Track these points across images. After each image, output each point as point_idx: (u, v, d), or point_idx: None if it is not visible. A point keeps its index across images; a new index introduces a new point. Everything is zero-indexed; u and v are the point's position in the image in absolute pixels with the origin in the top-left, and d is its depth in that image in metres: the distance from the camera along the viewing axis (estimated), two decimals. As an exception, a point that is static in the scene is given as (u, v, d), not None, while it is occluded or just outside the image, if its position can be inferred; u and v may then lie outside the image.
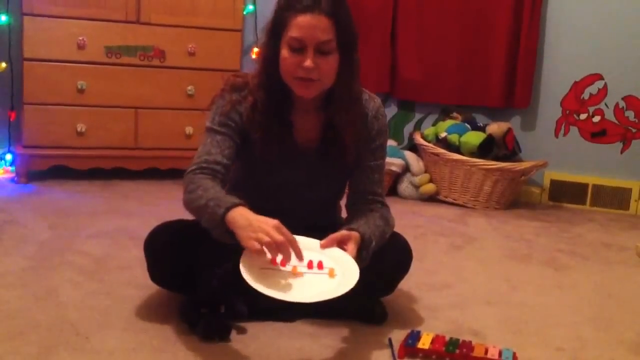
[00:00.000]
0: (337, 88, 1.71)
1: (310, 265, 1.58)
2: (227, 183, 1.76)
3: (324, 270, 1.58)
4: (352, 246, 1.63)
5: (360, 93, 1.81)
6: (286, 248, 1.49)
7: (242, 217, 1.52)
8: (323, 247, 1.62)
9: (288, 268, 1.56)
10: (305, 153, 1.80)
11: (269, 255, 1.55)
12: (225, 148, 1.73)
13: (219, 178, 1.69)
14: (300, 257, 1.51)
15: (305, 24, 1.61)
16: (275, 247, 1.47)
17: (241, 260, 1.51)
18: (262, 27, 1.82)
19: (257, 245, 1.46)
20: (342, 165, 1.82)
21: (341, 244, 1.64)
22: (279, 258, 1.56)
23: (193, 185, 1.65)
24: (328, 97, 1.74)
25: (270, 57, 1.70)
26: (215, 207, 1.55)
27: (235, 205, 1.55)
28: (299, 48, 1.63)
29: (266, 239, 1.46)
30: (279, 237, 1.47)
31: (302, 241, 1.63)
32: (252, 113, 1.73)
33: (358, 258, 1.62)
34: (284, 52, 1.65)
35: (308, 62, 1.62)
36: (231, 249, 1.62)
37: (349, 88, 1.73)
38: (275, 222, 1.51)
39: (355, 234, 1.66)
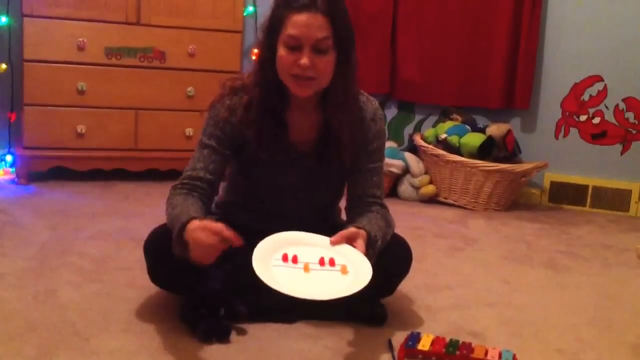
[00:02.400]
0: (333, 87, 1.72)
1: (322, 262, 1.58)
2: (212, 196, 1.80)
3: (336, 267, 1.58)
4: (361, 243, 1.63)
5: (357, 94, 1.81)
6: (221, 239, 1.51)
7: (191, 235, 1.53)
8: (333, 243, 1.63)
9: (300, 265, 1.56)
10: (302, 153, 1.80)
11: (279, 253, 1.55)
12: (211, 162, 1.76)
13: (199, 192, 1.73)
14: (237, 241, 1.51)
15: (302, 22, 1.62)
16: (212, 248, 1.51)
17: (253, 258, 1.51)
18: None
19: (206, 261, 1.53)
20: (339, 166, 1.82)
21: (350, 241, 1.65)
22: (291, 255, 1.56)
23: (168, 202, 1.72)
24: (325, 96, 1.74)
25: (266, 55, 1.71)
26: (177, 223, 1.58)
27: (184, 225, 1.55)
28: (295, 46, 1.63)
29: (209, 258, 1.52)
30: (212, 241, 1.50)
31: (312, 238, 1.64)
32: (247, 112, 1.74)
33: (365, 256, 1.62)
34: (281, 51, 1.66)
35: (304, 60, 1.62)
36: (231, 250, 1.62)
37: (346, 87, 1.73)
38: (199, 224, 1.52)
39: (362, 231, 1.66)
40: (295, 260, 1.57)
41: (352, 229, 1.67)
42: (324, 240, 1.65)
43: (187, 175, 1.76)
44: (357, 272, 1.56)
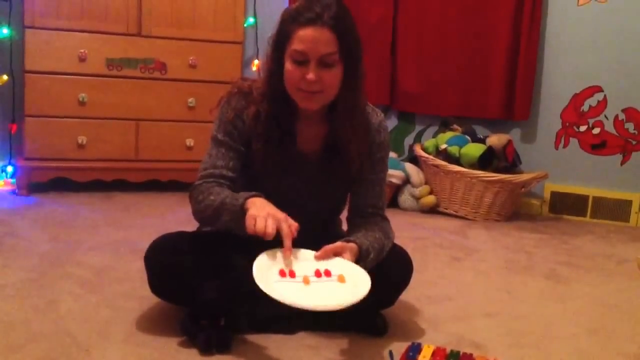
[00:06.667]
0: (341, 100, 1.72)
1: (318, 273, 1.59)
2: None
3: (332, 277, 1.58)
4: (348, 256, 1.63)
5: (364, 105, 1.82)
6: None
7: (260, 202, 1.59)
8: (318, 258, 1.63)
9: (299, 279, 1.56)
10: (307, 163, 1.81)
11: (275, 270, 1.55)
12: (230, 160, 1.76)
13: (226, 187, 1.73)
14: (287, 253, 1.55)
15: (308, 37, 1.62)
16: (264, 234, 1.52)
17: (256, 279, 1.50)
18: (262, 40, 1.84)
19: (251, 228, 1.52)
20: (345, 176, 1.82)
21: (336, 255, 1.64)
22: (287, 270, 1.56)
23: (203, 194, 1.70)
24: (332, 107, 1.75)
25: (274, 69, 1.71)
26: (233, 201, 1.62)
27: (254, 195, 1.62)
28: (302, 61, 1.64)
29: (260, 226, 1.51)
30: (270, 231, 1.52)
31: (304, 253, 1.64)
32: (255, 122, 1.74)
33: None
34: (288, 65, 1.66)
35: (311, 75, 1.63)
36: (231, 261, 1.62)
37: (353, 99, 1.74)
38: (283, 215, 1.57)
39: (351, 245, 1.66)
40: (292, 274, 1.57)
41: (338, 243, 1.66)
42: (312, 254, 1.65)
43: (209, 173, 1.74)
44: (355, 279, 1.57)
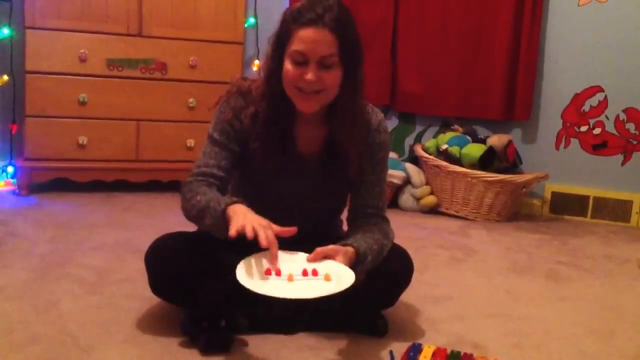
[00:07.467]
0: (339, 102, 1.72)
1: (305, 273, 1.59)
2: (224, 193, 1.78)
3: (318, 277, 1.58)
4: (340, 259, 1.62)
5: (363, 107, 1.82)
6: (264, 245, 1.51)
7: (241, 210, 1.58)
8: (310, 261, 1.62)
9: (283, 277, 1.56)
10: (307, 164, 1.81)
11: (264, 267, 1.56)
12: (222, 159, 1.76)
13: (215, 187, 1.73)
14: (274, 260, 1.54)
15: (308, 38, 1.62)
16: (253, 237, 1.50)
17: (237, 273, 1.51)
18: (263, 40, 1.84)
19: (234, 233, 1.49)
20: (344, 177, 1.82)
21: (329, 258, 1.64)
22: (273, 270, 1.57)
23: (191, 192, 1.71)
24: (331, 110, 1.75)
25: (273, 68, 1.71)
26: (216, 205, 1.61)
27: (236, 202, 1.61)
28: (301, 61, 1.64)
29: (249, 231, 1.49)
30: (262, 235, 1.49)
31: (295, 255, 1.64)
32: (253, 122, 1.74)
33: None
34: (287, 65, 1.66)
35: (309, 76, 1.62)
36: (232, 261, 1.62)
37: (352, 102, 1.74)
38: (266, 222, 1.55)
39: (346, 248, 1.65)
40: (278, 273, 1.57)
41: (331, 246, 1.66)
42: (304, 257, 1.65)
43: (201, 171, 1.76)
44: (340, 277, 1.57)
